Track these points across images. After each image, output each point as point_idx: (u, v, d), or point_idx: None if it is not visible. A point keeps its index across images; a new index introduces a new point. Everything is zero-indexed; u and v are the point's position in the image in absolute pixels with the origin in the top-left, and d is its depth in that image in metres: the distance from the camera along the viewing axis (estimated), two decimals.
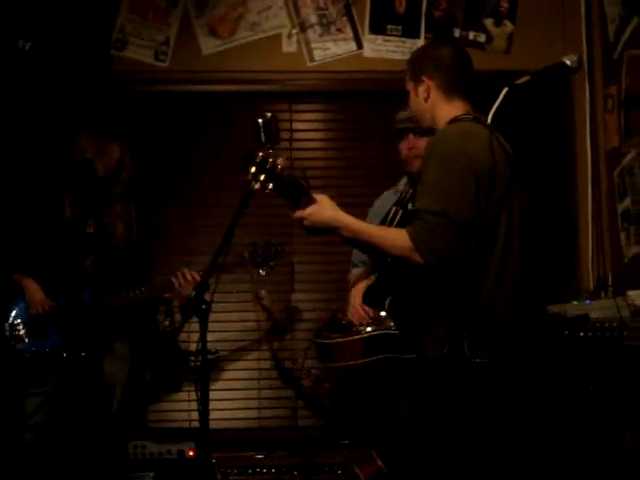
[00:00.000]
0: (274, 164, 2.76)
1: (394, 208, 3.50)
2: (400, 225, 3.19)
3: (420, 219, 2.69)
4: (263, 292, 4.71)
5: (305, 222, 2.80)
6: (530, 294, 2.83)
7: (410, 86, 3.00)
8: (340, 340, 3.57)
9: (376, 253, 2.87)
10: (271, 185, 2.77)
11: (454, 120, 2.89)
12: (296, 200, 2.81)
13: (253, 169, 2.74)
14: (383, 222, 3.45)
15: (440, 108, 2.93)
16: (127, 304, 3.94)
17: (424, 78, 2.93)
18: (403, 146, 3.73)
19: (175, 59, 4.86)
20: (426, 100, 2.94)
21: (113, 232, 4.02)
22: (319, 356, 3.76)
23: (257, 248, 3.97)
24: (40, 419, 3.81)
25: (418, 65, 2.98)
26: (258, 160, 2.75)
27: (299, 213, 2.79)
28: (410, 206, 3.43)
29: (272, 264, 4.01)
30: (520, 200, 2.83)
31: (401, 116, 3.71)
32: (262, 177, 2.75)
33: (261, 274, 4.03)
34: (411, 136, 3.66)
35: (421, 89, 2.95)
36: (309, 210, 2.78)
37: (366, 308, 3.53)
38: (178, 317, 4.43)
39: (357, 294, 3.70)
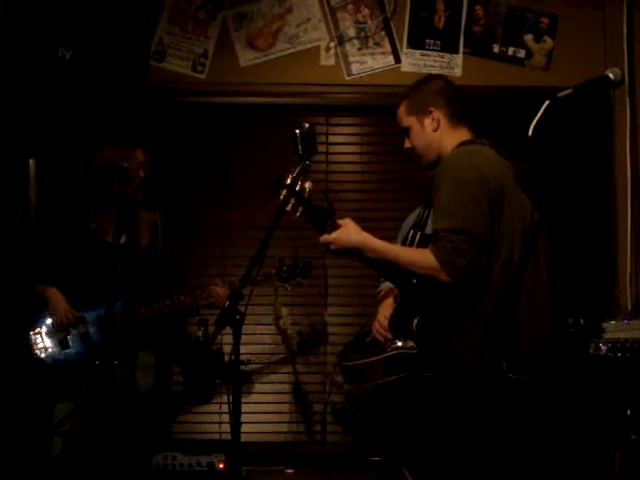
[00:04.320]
0: (302, 187, 2.79)
1: (412, 231, 3.49)
2: (420, 247, 3.19)
3: (441, 239, 2.72)
4: (284, 311, 4.68)
5: (332, 246, 2.85)
6: (559, 308, 2.84)
7: (411, 121, 3.07)
8: (362, 362, 3.56)
9: (401, 274, 2.87)
10: (300, 209, 2.80)
11: (460, 145, 2.96)
12: (322, 225, 2.86)
13: (284, 192, 2.78)
14: (403, 244, 3.45)
15: (448, 137, 3.00)
16: (158, 314, 3.93)
17: (432, 109, 3.01)
18: None
19: (213, 71, 4.88)
20: (435, 130, 3.01)
21: (139, 240, 4.02)
22: (345, 378, 3.75)
23: (283, 264, 3.99)
24: (70, 426, 3.80)
25: (422, 98, 3.05)
26: (287, 182, 2.77)
27: (325, 237, 2.83)
28: (428, 229, 3.41)
29: (299, 280, 4.02)
30: (529, 214, 2.85)
31: None
32: (292, 200, 2.78)
33: (287, 289, 4.04)
34: None
35: (428, 121, 3.02)
36: (335, 234, 2.83)
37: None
38: (211, 328, 4.43)
39: (384, 308, 3.68)
